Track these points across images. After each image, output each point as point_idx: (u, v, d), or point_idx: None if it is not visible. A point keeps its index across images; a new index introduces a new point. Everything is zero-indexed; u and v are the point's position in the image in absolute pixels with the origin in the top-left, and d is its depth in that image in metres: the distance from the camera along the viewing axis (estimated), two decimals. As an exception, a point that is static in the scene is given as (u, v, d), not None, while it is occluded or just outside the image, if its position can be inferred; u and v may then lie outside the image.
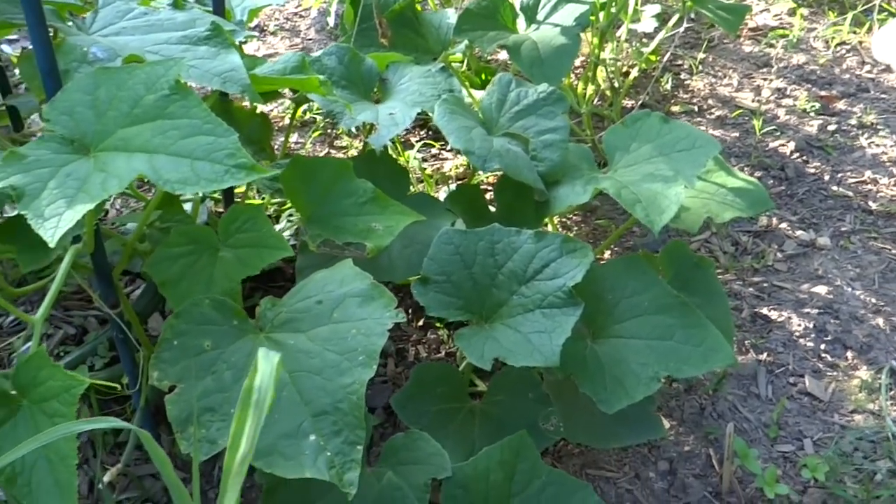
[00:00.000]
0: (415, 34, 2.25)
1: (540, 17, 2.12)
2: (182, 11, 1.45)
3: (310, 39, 3.33)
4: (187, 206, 1.80)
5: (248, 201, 2.03)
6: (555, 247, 1.55)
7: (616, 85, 2.81)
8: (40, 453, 1.06)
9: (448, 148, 2.72)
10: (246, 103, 2.14)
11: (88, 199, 1.03)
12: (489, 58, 3.00)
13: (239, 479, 0.66)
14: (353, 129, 2.73)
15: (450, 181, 2.56)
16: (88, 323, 1.99)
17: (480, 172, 2.51)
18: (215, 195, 2.03)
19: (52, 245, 0.98)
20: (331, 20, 3.23)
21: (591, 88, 2.67)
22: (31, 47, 1.18)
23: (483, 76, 2.77)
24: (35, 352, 1.08)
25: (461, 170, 2.61)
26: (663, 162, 1.67)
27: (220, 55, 1.36)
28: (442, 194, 2.46)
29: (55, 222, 1.01)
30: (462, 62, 2.69)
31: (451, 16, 2.29)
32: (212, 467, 1.74)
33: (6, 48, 2.84)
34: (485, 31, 2.07)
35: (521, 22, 2.17)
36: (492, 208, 1.95)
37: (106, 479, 1.52)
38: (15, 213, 1.47)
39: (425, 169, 2.58)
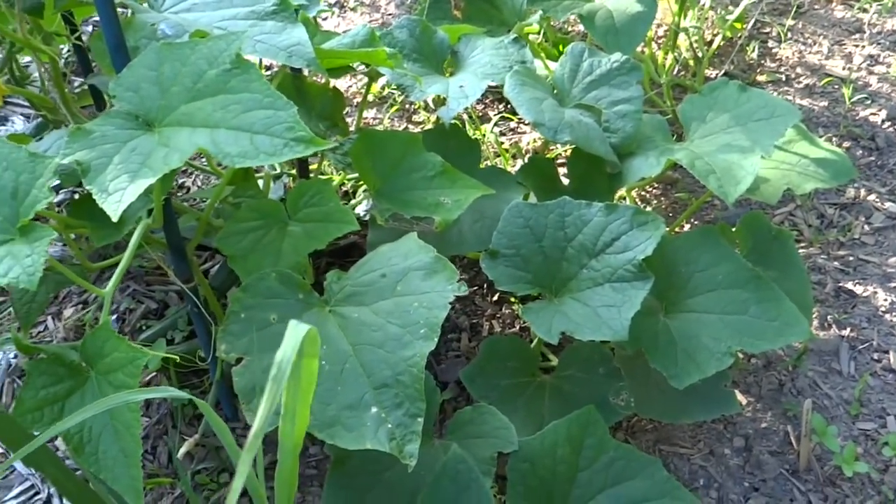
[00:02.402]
0: (489, 5, 2.18)
1: (615, -16, 2.02)
2: (251, -14, 1.42)
3: (390, 14, 3.29)
4: (262, 182, 1.80)
5: (325, 177, 2.02)
6: (625, 219, 1.49)
7: (699, 54, 2.68)
8: (107, 423, 1.07)
9: (526, 122, 2.65)
10: (319, 79, 2.13)
11: (150, 174, 1.02)
12: (570, 29, 2.91)
13: (250, 456, 0.63)
14: (431, 104, 2.69)
15: (527, 155, 2.49)
16: (169, 298, 2.02)
17: (558, 146, 2.44)
18: (292, 171, 2.03)
19: (114, 219, 0.98)
20: (410, -6, 3.19)
21: (671, 58, 2.55)
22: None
23: (560, 48, 2.68)
24: (101, 324, 1.09)
25: (538, 143, 2.54)
26: (740, 132, 1.58)
27: (286, 29, 1.34)
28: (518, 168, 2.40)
29: (118, 197, 1.01)
30: (539, 34, 2.60)
31: (527, -14, 2.21)
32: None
33: (89, 30, 2.88)
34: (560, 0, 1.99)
35: (596, -9, 2.08)
36: (565, 181, 1.88)
37: (184, 449, 1.54)
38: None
39: (502, 143, 2.52)
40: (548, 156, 2.48)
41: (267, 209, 1.44)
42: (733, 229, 1.73)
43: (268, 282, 1.27)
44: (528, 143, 2.55)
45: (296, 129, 1.04)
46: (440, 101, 2.32)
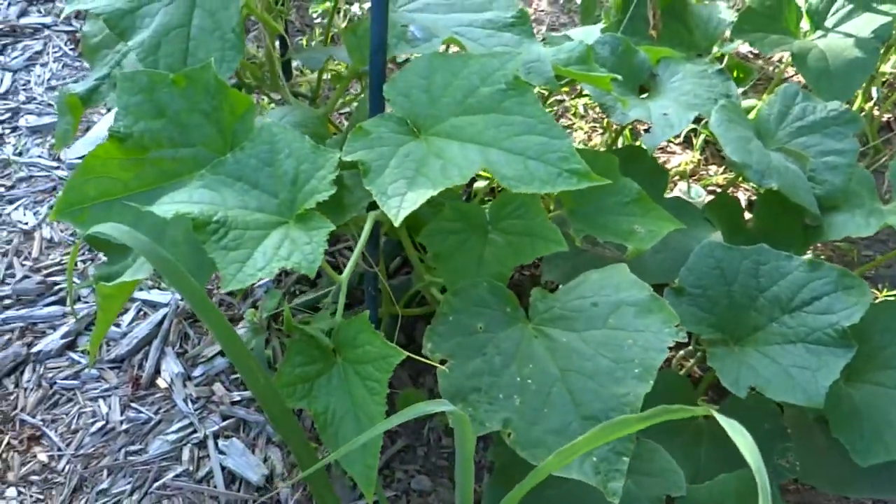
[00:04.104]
0: (682, 27, 2.22)
1: (828, 23, 2.04)
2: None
3: (541, 11, 3.35)
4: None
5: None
6: (829, 280, 1.51)
7: (874, 96, 2.67)
8: (349, 409, 1.17)
9: (677, 142, 2.68)
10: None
11: (430, 185, 1.10)
12: (731, 51, 2.92)
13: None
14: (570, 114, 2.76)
15: (678, 179, 2.53)
16: (322, 268, 2.15)
17: (710, 172, 2.47)
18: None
19: (396, 224, 1.07)
20: (565, -7, 3.26)
21: (859, 102, 2.55)
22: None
23: (735, 73, 2.71)
24: (357, 317, 1.18)
25: (690, 167, 2.58)
26: (963, 203, 1.60)
27: (523, 44, 1.41)
28: (677, 192, 2.44)
29: (398, 202, 1.09)
30: (721, 59, 2.63)
31: (723, 11, 2.24)
32: (422, 426, 1.83)
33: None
34: (766, 33, 2.02)
35: (804, 25, 2.10)
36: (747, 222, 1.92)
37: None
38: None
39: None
40: (701, 182, 2.52)
41: (467, 213, 1.50)
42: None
43: (479, 290, 1.35)
44: (680, 165, 2.58)
45: (571, 160, 1.11)
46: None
